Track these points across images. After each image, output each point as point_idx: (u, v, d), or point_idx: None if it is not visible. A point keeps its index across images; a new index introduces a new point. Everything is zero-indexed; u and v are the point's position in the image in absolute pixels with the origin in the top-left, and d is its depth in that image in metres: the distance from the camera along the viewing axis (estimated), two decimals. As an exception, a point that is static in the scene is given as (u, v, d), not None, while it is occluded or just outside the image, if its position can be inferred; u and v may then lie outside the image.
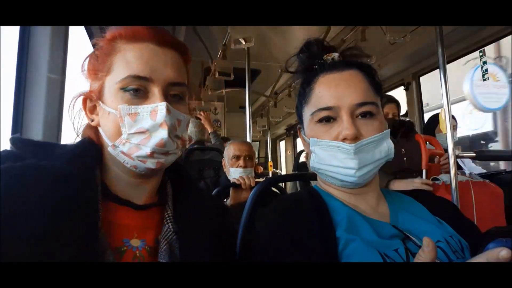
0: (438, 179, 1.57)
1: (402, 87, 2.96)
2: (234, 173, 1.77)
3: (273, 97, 4.30)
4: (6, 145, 0.54)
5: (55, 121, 1.06)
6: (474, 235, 0.68)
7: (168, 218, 0.59)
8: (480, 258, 0.41)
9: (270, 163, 3.23)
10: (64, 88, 1.09)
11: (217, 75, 2.56)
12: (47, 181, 0.46)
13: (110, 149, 0.56)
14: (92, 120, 0.60)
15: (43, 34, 1.01)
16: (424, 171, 1.64)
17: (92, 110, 0.60)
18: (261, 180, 1.19)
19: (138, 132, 0.54)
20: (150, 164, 0.55)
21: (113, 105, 0.55)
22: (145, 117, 0.54)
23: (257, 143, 6.17)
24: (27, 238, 0.41)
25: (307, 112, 0.70)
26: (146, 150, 0.54)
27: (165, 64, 0.56)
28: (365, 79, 0.67)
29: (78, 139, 0.62)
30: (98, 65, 0.57)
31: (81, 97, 0.60)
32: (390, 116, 2.05)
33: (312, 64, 0.71)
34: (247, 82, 2.36)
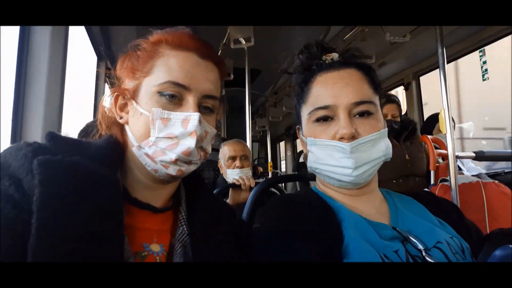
0: (447, 180, 1.56)
1: (402, 87, 2.96)
2: (231, 174, 1.76)
3: (273, 97, 4.30)
4: (6, 145, 0.54)
5: (55, 121, 1.06)
6: (475, 236, 0.68)
7: (182, 220, 0.59)
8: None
9: (270, 163, 3.23)
10: (64, 88, 1.09)
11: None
12: (81, 178, 0.46)
13: (134, 149, 0.56)
14: (121, 118, 0.60)
15: (43, 34, 1.01)
16: (432, 172, 1.63)
17: (123, 107, 0.60)
18: (260, 180, 1.19)
19: (167, 137, 0.54)
20: (172, 170, 0.55)
21: (147, 107, 0.55)
22: (177, 124, 0.54)
23: (257, 143, 6.16)
24: (59, 233, 0.41)
25: (304, 112, 0.70)
26: (171, 156, 0.54)
27: (204, 76, 0.57)
28: (363, 78, 0.66)
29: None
30: (138, 65, 0.57)
31: (115, 94, 0.60)
32: (389, 117, 1.94)
33: (311, 64, 0.71)
34: (247, 82, 2.36)
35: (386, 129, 0.66)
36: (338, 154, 0.63)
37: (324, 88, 0.66)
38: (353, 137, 0.62)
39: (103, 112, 0.62)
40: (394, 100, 1.98)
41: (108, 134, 0.60)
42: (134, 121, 0.57)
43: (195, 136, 0.54)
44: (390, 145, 0.65)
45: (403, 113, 2.07)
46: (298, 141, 5.83)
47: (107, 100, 0.62)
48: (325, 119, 0.65)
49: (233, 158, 1.81)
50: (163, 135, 0.54)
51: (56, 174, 0.44)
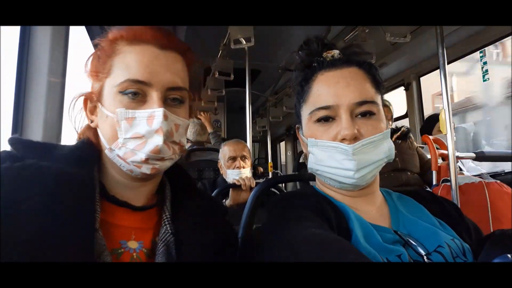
0: (449, 180, 1.56)
1: (402, 87, 2.96)
2: (231, 174, 1.76)
3: (273, 97, 4.30)
4: (6, 146, 0.54)
5: (55, 122, 1.06)
6: (476, 236, 0.67)
7: (166, 220, 0.59)
8: None
9: (270, 163, 3.22)
10: (65, 88, 1.09)
11: (217, 75, 2.55)
12: (46, 181, 0.46)
13: (107, 151, 0.56)
14: (92, 121, 0.59)
15: (43, 34, 1.01)
16: (434, 172, 1.63)
17: (92, 111, 0.59)
18: (261, 181, 1.19)
19: (134, 137, 0.53)
20: (145, 169, 0.55)
21: (111, 108, 0.54)
22: (142, 123, 0.53)
23: (257, 143, 6.16)
24: (25, 237, 0.41)
25: (305, 111, 0.68)
26: (141, 156, 0.53)
27: (166, 68, 0.55)
28: (365, 77, 0.65)
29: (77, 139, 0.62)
30: (99, 66, 0.57)
31: (82, 97, 0.59)
32: None
33: (311, 61, 0.69)
34: (247, 82, 2.36)
35: (389, 129, 0.64)
36: (340, 156, 0.61)
37: (326, 87, 0.64)
38: (355, 138, 0.60)
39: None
40: (384, 104, 2.02)
41: (83, 137, 0.60)
42: (102, 123, 0.57)
43: (162, 133, 0.52)
44: (393, 146, 0.64)
45: (403, 113, 2.10)
46: (298, 141, 5.82)
47: (71, 106, 0.62)
48: (326, 119, 0.63)
49: (233, 159, 1.81)
50: (130, 136, 0.53)
51: (15, 180, 0.44)
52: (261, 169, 4.63)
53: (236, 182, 1.61)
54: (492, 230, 1.25)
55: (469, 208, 1.40)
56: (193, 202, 0.64)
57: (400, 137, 2.02)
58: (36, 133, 1.02)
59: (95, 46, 0.59)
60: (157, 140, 0.53)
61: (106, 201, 0.55)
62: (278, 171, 6.02)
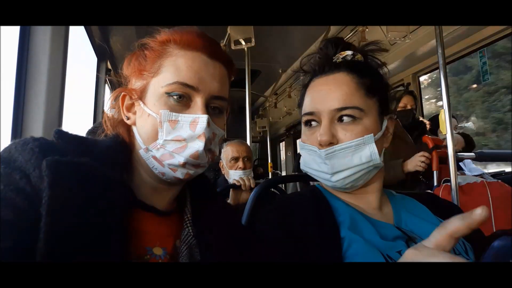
0: (449, 181, 1.56)
1: (401, 87, 2.96)
2: (234, 175, 1.76)
3: (273, 98, 4.30)
4: (6, 145, 0.54)
5: (55, 121, 1.06)
6: (478, 238, 0.68)
7: (188, 222, 0.58)
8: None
9: (270, 164, 3.23)
10: (64, 88, 1.09)
11: (217, 76, 2.55)
12: (88, 181, 0.45)
13: (142, 151, 0.56)
14: (128, 118, 0.59)
15: (43, 34, 1.01)
16: (435, 172, 1.63)
17: (129, 108, 0.59)
18: (261, 181, 1.19)
19: (175, 140, 0.53)
20: (180, 174, 0.55)
21: (154, 108, 0.54)
22: (185, 126, 0.53)
23: (257, 144, 6.16)
24: (67, 237, 0.41)
25: (301, 115, 0.71)
26: (180, 160, 0.53)
27: (213, 76, 0.56)
28: (352, 81, 0.65)
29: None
30: (145, 65, 0.56)
31: (121, 94, 0.59)
32: (409, 107, 2.11)
33: (323, 63, 0.70)
34: (247, 82, 2.36)
35: (371, 135, 0.63)
36: (318, 159, 0.65)
37: (312, 94, 0.68)
38: (330, 144, 0.63)
39: (107, 114, 0.62)
40: (412, 92, 2.19)
41: (115, 134, 0.59)
42: (141, 122, 0.56)
43: (204, 139, 0.53)
44: (376, 151, 0.63)
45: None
46: (298, 141, 5.84)
47: (107, 104, 0.61)
48: (312, 124, 0.67)
49: (236, 159, 1.81)
50: (171, 138, 0.53)
51: (65, 177, 0.43)
52: (261, 170, 4.63)
53: (236, 183, 1.61)
54: (495, 229, 1.26)
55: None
56: (211, 204, 0.63)
57: (419, 135, 2.02)
58: (36, 133, 1.02)
59: (142, 45, 0.59)
60: (199, 145, 0.53)
61: (133, 205, 0.54)
62: (278, 171, 6.03)
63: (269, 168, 3.16)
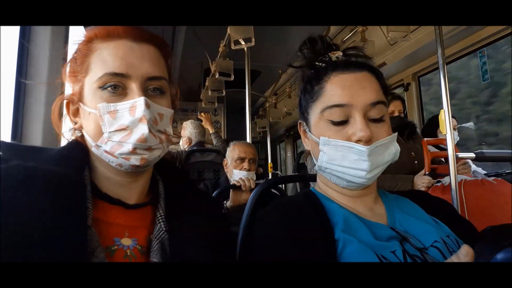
0: (440, 181, 1.57)
1: (401, 88, 2.96)
2: (238, 175, 1.76)
3: (273, 98, 4.30)
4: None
5: (55, 121, 1.06)
6: (470, 234, 0.68)
7: (160, 217, 0.59)
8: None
9: (270, 164, 3.22)
10: (65, 89, 1.09)
11: (217, 75, 2.56)
12: (32, 181, 0.46)
13: (94, 149, 0.57)
14: (76, 123, 0.60)
15: (43, 34, 1.01)
16: (427, 174, 1.64)
17: (76, 113, 0.60)
18: (261, 181, 1.18)
19: (119, 130, 0.54)
20: (134, 160, 0.55)
21: (92, 105, 0.55)
22: (125, 114, 0.54)
23: (257, 144, 6.17)
24: (15, 239, 0.41)
25: (315, 110, 0.68)
26: (128, 147, 0.54)
27: (142, 59, 0.56)
28: (376, 82, 0.67)
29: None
30: (77, 67, 0.58)
31: (64, 101, 0.60)
32: (396, 113, 2.04)
33: (315, 59, 0.70)
34: (247, 83, 2.36)
35: (396, 133, 0.66)
36: (354, 156, 0.62)
37: (340, 88, 0.65)
38: (369, 140, 0.62)
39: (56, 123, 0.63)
40: (399, 97, 2.10)
41: (72, 140, 0.61)
42: (86, 122, 0.57)
43: (145, 121, 0.53)
44: (399, 148, 0.66)
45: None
46: (297, 141, 5.83)
47: (53, 112, 0.63)
48: (339, 121, 0.64)
49: (242, 159, 1.82)
50: (115, 128, 0.54)
51: (6, 181, 0.44)
52: (261, 170, 4.63)
53: (236, 183, 1.61)
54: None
55: (470, 206, 1.41)
56: (187, 199, 0.64)
57: (410, 134, 2.02)
58: (36, 133, 1.02)
59: (74, 51, 0.60)
60: (142, 129, 0.53)
61: (99, 199, 0.56)
62: (278, 171, 6.02)
63: (269, 169, 3.15)
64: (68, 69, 0.60)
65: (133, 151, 0.54)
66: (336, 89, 0.65)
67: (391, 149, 0.65)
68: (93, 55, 0.56)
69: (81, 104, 0.57)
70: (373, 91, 0.64)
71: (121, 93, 0.55)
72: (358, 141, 0.62)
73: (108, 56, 0.55)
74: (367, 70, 0.67)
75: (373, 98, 0.63)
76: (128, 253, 0.54)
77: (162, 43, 0.61)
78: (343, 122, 0.64)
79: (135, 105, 0.53)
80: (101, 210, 0.55)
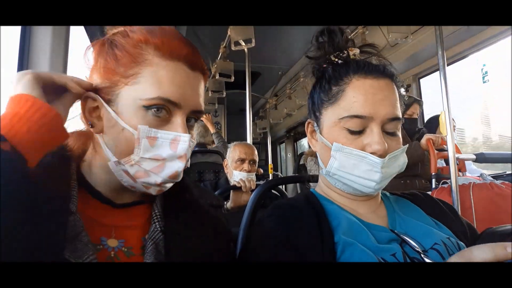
0: (447, 182, 1.57)
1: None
2: (238, 176, 1.76)
3: (273, 99, 4.31)
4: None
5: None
6: (471, 235, 0.68)
7: (155, 217, 0.57)
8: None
9: (270, 165, 3.22)
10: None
11: (217, 77, 2.56)
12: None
13: (111, 164, 0.52)
14: (92, 126, 0.54)
15: (43, 34, 1.01)
16: (433, 175, 1.64)
17: (93, 111, 0.54)
18: (261, 182, 1.18)
19: (153, 159, 0.51)
20: (153, 191, 0.53)
21: (131, 122, 0.50)
22: (165, 144, 0.51)
23: (258, 145, 6.17)
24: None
25: (331, 113, 0.65)
26: (157, 180, 0.51)
27: (195, 90, 0.54)
28: (396, 92, 0.65)
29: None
30: (118, 67, 0.52)
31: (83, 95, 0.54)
32: (415, 116, 2.17)
33: (332, 53, 0.68)
34: (248, 84, 2.36)
35: (407, 145, 0.66)
36: (366, 167, 0.61)
37: (363, 96, 0.62)
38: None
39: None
40: (419, 101, 2.28)
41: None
42: (113, 134, 0.52)
43: (185, 160, 0.51)
44: (406, 160, 0.66)
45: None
46: (298, 142, 5.83)
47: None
48: (357, 130, 0.62)
49: (242, 160, 1.82)
50: (149, 156, 0.50)
51: None
52: (261, 171, 4.63)
53: (236, 184, 1.60)
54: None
55: (478, 209, 1.41)
56: (184, 199, 0.61)
57: (418, 138, 2.06)
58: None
59: (110, 41, 0.54)
60: (179, 166, 0.51)
61: (91, 196, 0.54)
62: (278, 172, 6.02)
63: (270, 170, 3.15)
64: (101, 61, 0.54)
65: (159, 185, 0.52)
66: (359, 96, 0.62)
67: (400, 160, 0.64)
68: (146, 68, 0.51)
69: (109, 109, 0.52)
70: (393, 104, 0.63)
71: (164, 118, 0.51)
72: (373, 153, 0.61)
73: (166, 79, 0.51)
74: (389, 78, 0.65)
75: (392, 113, 0.62)
76: (112, 255, 0.51)
77: (206, 70, 0.58)
78: (360, 132, 0.62)
79: (178, 139, 0.51)
80: (92, 207, 0.53)
